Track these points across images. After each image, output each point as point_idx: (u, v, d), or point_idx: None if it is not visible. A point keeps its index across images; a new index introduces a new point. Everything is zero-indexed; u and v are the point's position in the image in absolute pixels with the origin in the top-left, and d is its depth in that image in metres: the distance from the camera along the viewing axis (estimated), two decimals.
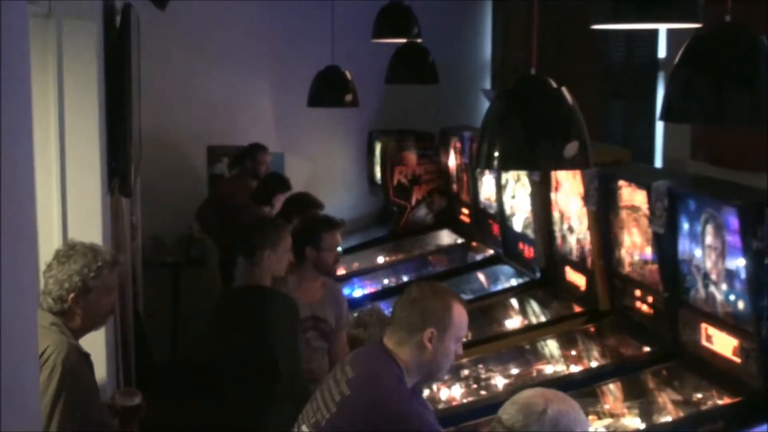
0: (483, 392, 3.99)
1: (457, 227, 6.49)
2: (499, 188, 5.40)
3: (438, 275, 5.52)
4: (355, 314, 4.16)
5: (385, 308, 4.71)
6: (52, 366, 2.62)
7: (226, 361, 3.53)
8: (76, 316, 2.75)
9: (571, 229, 4.52)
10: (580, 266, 4.47)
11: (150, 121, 6.43)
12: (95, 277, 2.74)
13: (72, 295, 2.73)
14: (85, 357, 2.75)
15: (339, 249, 3.85)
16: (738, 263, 3.10)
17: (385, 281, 5.79)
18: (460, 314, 2.54)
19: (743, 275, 3.08)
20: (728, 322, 3.25)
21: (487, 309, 4.88)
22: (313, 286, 3.77)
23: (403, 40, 5.18)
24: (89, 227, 3.24)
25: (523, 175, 4.98)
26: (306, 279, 3.75)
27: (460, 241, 6.28)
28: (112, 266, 2.81)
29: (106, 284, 2.78)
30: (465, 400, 3.92)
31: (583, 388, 3.66)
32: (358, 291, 5.51)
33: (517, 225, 5.23)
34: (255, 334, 3.44)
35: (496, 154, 2.27)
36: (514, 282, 5.21)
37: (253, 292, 3.57)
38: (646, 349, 3.88)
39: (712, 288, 3.32)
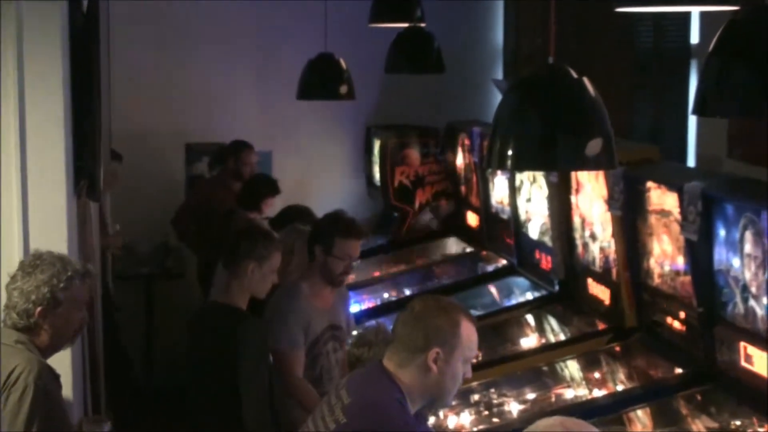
0: (495, 420, 3.99)
1: (465, 234, 6.50)
2: (513, 191, 5.41)
3: (444, 288, 5.53)
4: (355, 332, 4.17)
5: (388, 325, 4.71)
6: (23, 387, 2.62)
7: (194, 386, 3.54)
8: (44, 333, 2.76)
9: (593, 237, 4.53)
10: (603, 278, 4.47)
11: (120, 116, 6.44)
12: (65, 288, 2.76)
13: (39, 308, 2.74)
14: (55, 377, 2.76)
15: (354, 263, 3.83)
16: None
17: (385, 295, 5.80)
18: (468, 332, 2.54)
19: None
20: None
21: (499, 326, 4.89)
22: (325, 291, 3.81)
23: (405, 25, 5.18)
24: (53, 234, 3.23)
25: (539, 176, 4.99)
26: (317, 284, 3.78)
27: (468, 249, 6.29)
28: (83, 277, 2.82)
29: (77, 297, 2.80)
30: (475, 429, 3.92)
31: (608, 415, 3.66)
32: (354, 306, 5.51)
33: (533, 232, 5.23)
34: (219, 361, 3.45)
35: (510, 152, 2.28)
36: (529, 296, 5.21)
37: (226, 313, 3.56)
38: (678, 370, 3.89)
39: (751, 302, 3.32)
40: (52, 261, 2.78)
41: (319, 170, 7.15)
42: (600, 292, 4.53)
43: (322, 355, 3.76)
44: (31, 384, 2.62)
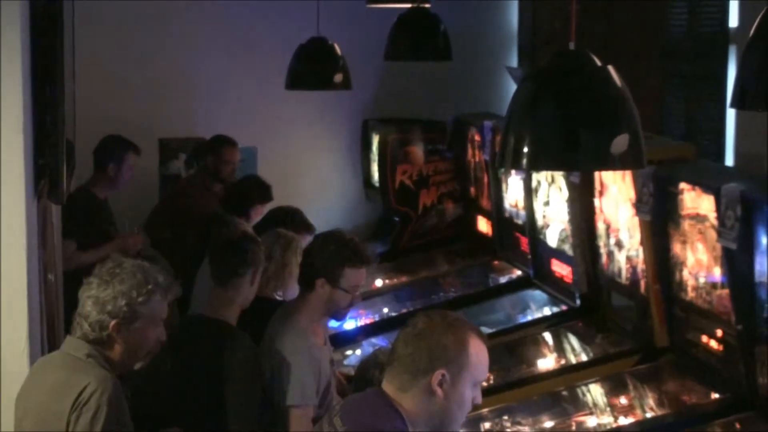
0: None
1: (475, 241, 6.49)
2: (529, 192, 5.41)
3: (451, 302, 5.53)
4: (352, 352, 4.15)
5: (383, 344, 4.70)
6: (96, 407, 2.70)
7: (176, 412, 3.53)
8: (116, 348, 2.84)
9: (619, 245, 4.53)
10: (630, 291, 4.47)
11: (86, 109, 6.42)
12: (144, 302, 2.84)
13: (114, 321, 2.82)
14: (124, 393, 2.84)
15: (350, 293, 3.67)
16: None
17: (385, 310, 5.80)
18: (478, 351, 2.54)
19: None
20: None
21: (513, 345, 4.89)
22: (320, 325, 3.72)
23: (407, 6, 5.19)
24: (9, 240, 3.22)
25: (559, 176, 4.99)
26: (314, 319, 3.65)
27: (479, 259, 6.29)
28: (165, 292, 2.89)
29: (155, 313, 2.87)
30: None
31: None
32: (350, 323, 5.51)
33: (552, 239, 5.24)
34: (208, 383, 3.46)
35: (525, 149, 2.28)
36: (547, 311, 5.22)
37: (216, 328, 3.57)
38: (715, 396, 3.89)
39: None
40: (132, 271, 2.85)
41: (310, 169, 7.15)
42: (627, 307, 4.53)
43: (333, 399, 3.70)
44: (104, 405, 2.70)
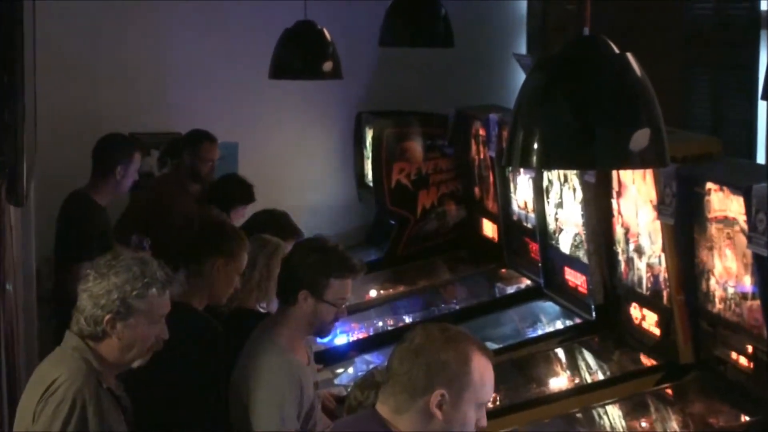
0: None
1: (480, 247, 6.48)
2: (540, 193, 5.41)
3: (454, 315, 5.52)
4: (344, 369, 4.15)
5: (383, 360, 4.68)
6: (60, 399, 2.81)
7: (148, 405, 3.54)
8: (111, 343, 2.94)
9: (639, 251, 4.54)
10: (652, 302, 4.48)
11: (48, 102, 6.40)
12: (138, 296, 2.94)
13: (108, 316, 2.93)
14: (116, 399, 2.92)
15: (337, 306, 3.66)
16: None
17: (379, 324, 5.78)
18: (482, 369, 2.54)
19: None
20: None
21: (522, 362, 4.89)
22: (302, 342, 3.72)
23: None
24: None
25: (572, 175, 4.99)
26: (296, 335, 3.65)
27: (484, 266, 6.29)
28: (164, 286, 2.98)
29: (153, 308, 2.97)
30: None
31: None
32: (341, 338, 5.51)
33: (564, 244, 5.24)
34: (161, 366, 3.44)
35: (535, 146, 2.27)
36: (559, 324, 5.22)
37: (180, 311, 3.51)
38: (745, 418, 3.88)
39: None
40: (129, 264, 2.96)
41: (297, 168, 7.15)
42: (648, 320, 4.53)
43: (318, 423, 3.69)
44: (69, 398, 2.80)
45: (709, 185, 3.89)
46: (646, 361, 4.52)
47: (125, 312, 2.92)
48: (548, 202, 5.36)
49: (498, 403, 4.38)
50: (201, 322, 3.80)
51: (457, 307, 5.77)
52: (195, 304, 3.85)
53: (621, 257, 4.69)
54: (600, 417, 4.29)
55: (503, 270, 6.05)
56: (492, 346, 4.70)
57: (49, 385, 2.84)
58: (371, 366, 4.35)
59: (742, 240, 3.71)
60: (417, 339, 2.55)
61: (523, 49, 7.19)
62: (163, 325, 3.02)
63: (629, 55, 2.30)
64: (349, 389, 3.94)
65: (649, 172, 4.22)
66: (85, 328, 2.94)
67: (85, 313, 2.94)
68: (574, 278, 5.15)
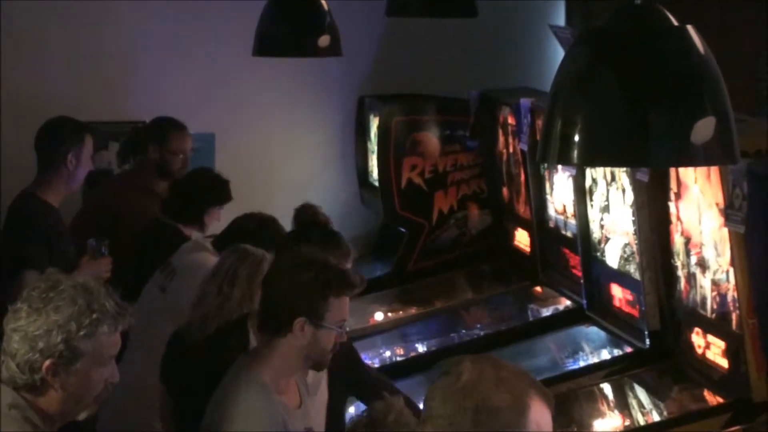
0: None
1: (509, 261, 6.49)
2: (582, 195, 5.41)
3: (476, 343, 5.52)
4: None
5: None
6: None
7: None
8: (52, 395, 2.86)
9: (703, 265, 4.53)
10: (718, 327, 4.47)
11: None
12: (87, 336, 2.85)
13: (48, 362, 2.84)
14: None
15: (340, 329, 3.67)
16: None
17: (387, 353, 5.80)
18: (540, 420, 2.54)
19: None
20: None
21: (561, 399, 4.82)
22: (292, 380, 3.72)
23: None
24: None
25: (621, 173, 4.99)
26: (287, 371, 3.64)
27: (514, 284, 6.29)
28: (116, 320, 2.90)
29: (103, 349, 2.90)
30: None
31: None
32: None
33: (612, 257, 5.23)
34: None
35: (577, 137, 2.27)
36: (605, 354, 5.23)
37: None
38: None
39: None
40: (72, 295, 2.87)
41: (287, 163, 7.17)
42: (713, 349, 4.52)
43: None
44: None
45: None
46: (712, 398, 4.52)
47: (70, 356, 2.84)
48: (592, 206, 5.36)
49: None
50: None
51: (482, 334, 5.77)
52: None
53: (680, 272, 4.69)
54: None
55: (537, 288, 6.06)
56: None
57: None
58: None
59: None
60: (465, 375, 2.51)
61: (561, 20, 7.18)
62: (114, 366, 2.96)
63: (690, 28, 2.31)
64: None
65: (714, 170, 4.21)
66: (19, 376, 2.84)
67: (18, 359, 2.84)
68: (624, 298, 5.15)
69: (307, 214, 5.41)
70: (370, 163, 7.14)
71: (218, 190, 5.64)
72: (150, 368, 4.47)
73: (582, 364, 5.24)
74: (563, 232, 5.78)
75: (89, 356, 2.87)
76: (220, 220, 5.53)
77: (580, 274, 5.52)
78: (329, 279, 3.59)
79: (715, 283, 4.45)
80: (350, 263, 4.41)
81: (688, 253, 4.62)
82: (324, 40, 5.31)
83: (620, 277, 5.16)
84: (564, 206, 5.74)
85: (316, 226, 4.88)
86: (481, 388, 2.49)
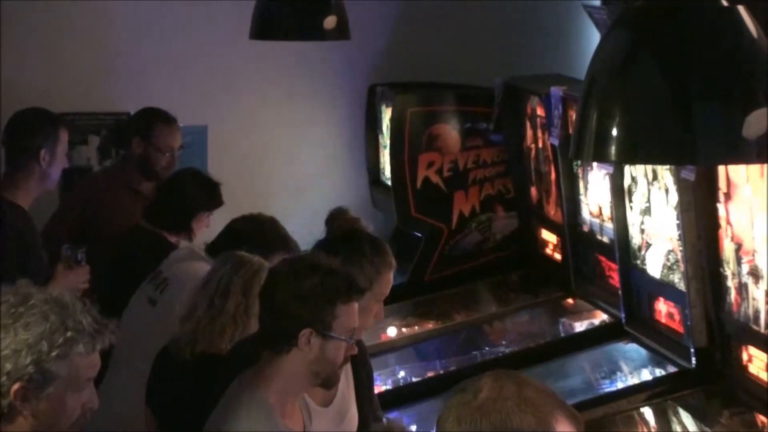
0: None
1: (538, 269, 6.51)
2: (620, 196, 5.41)
3: (502, 361, 5.53)
4: None
5: (407, 422, 4.67)
6: None
7: None
8: (22, 422, 2.85)
9: (756, 274, 4.53)
10: None
11: None
12: (60, 357, 2.84)
13: (17, 386, 2.83)
14: None
15: (351, 340, 3.68)
16: None
17: (400, 374, 5.80)
18: None
19: None
20: None
21: (597, 425, 4.89)
22: (296, 406, 3.73)
23: None
24: None
25: (665, 171, 4.98)
26: (291, 391, 3.65)
27: (543, 295, 6.31)
28: (94, 338, 2.89)
29: (78, 370, 2.89)
30: None
31: None
32: None
33: (653, 265, 5.23)
34: None
35: (615, 131, 2.28)
36: (646, 374, 5.24)
37: None
38: None
39: None
40: (44, 311, 2.85)
41: (288, 159, 7.19)
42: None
43: None
44: None
45: None
46: (766, 424, 4.51)
47: (41, 379, 2.83)
48: (631, 208, 5.36)
49: None
50: None
51: (507, 351, 5.79)
52: None
53: (731, 283, 4.69)
54: None
55: (569, 300, 6.08)
56: None
57: None
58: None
59: None
60: (484, 393, 2.49)
61: None
62: (92, 389, 2.96)
63: (742, 9, 2.31)
64: None
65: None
66: None
67: None
68: (667, 311, 5.15)
69: (342, 220, 5.40)
70: (381, 160, 7.16)
71: (208, 194, 5.62)
72: (137, 392, 4.47)
73: (620, 385, 5.26)
74: (599, 237, 5.78)
75: (63, 379, 2.86)
76: (209, 227, 5.51)
77: (617, 284, 5.52)
78: (336, 283, 3.59)
79: None
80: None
81: (739, 261, 4.61)
82: (330, 22, 5.31)
83: (663, 288, 5.17)
84: (600, 208, 5.74)
85: (363, 234, 4.86)
86: (501, 407, 2.47)
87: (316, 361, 3.60)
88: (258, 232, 4.91)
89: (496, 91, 6.64)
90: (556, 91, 5.90)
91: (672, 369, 5.08)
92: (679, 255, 4.97)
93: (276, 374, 3.62)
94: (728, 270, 4.69)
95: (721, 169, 4.57)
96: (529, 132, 6.47)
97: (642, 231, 5.30)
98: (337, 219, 5.39)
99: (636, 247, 5.36)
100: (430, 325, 6.29)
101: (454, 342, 6.04)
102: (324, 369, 3.63)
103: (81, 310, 2.90)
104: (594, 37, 6.36)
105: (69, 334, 2.85)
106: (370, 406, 4.32)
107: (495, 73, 6.74)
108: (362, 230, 4.85)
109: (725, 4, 2.30)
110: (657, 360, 5.22)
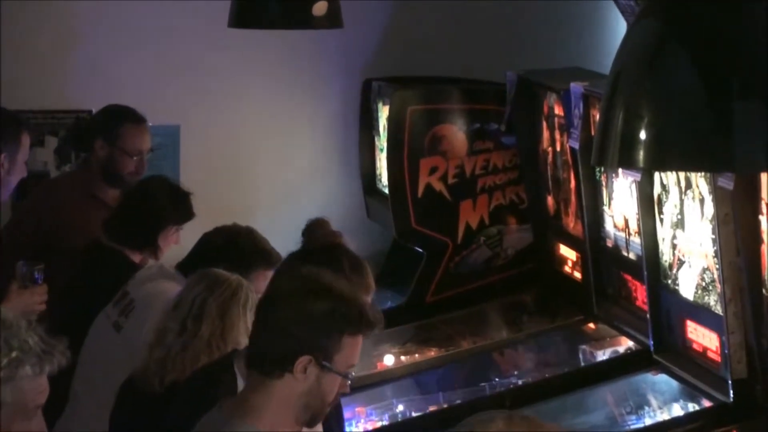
0: None
1: (554, 289, 6.53)
2: (650, 207, 5.42)
3: (514, 394, 5.55)
4: None
5: None
6: None
7: None
8: None
9: None
10: None
11: None
12: (5, 380, 2.87)
13: None
14: None
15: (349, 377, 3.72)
16: None
17: (399, 408, 5.80)
18: None
19: None
20: None
21: None
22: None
23: None
24: None
25: (700, 179, 4.99)
26: (282, 423, 3.64)
27: (562, 319, 6.32)
28: (41, 360, 2.90)
29: (25, 396, 2.92)
30: None
31: None
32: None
33: (686, 287, 5.24)
34: None
35: (643, 134, 2.30)
36: (678, 409, 5.24)
37: None
38: None
39: None
40: None
41: (271, 164, 7.23)
42: None
43: None
44: None
45: None
46: None
47: None
48: (661, 221, 5.37)
49: None
50: None
51: (520, 383, 5.79)
52: None
53: None
54: None
55: (591, 325, 6.09)
56: None
57: None
58: None
59: None
60: (491, 429, 2.56)
61: None
62: (40, 419, 2.97)
63: None
64: None
65: None
66: None
67: None
68: (702, 338, 5.15)
69: (322, 232, 5.41)
70: (377, 165, 7.18)
71: (176, 205, 5.62)
72: (100, 427, 4.48)
73: (648, 421, 5.27)
74: (624, 253, 5.79)
75: (8, 406, 2.88)
76: (178, 243, 5.51)
77: (645, 307, 5.51)
78: (347, 312, 3.60)
79: None
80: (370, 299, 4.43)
81: None
82: (320, 8, 5.33)
83: (697, 311, 5.17)
84: (626, 221, 5.75)
85: (343, 249, 4.87)
86: None
87: (309, 392, 3.61)
88: (235, 245, 4.92)
89: (508, 86, 6.65)
90: (576, 87, 5.90)
91: (707, 403, 5.08)
92: (716, 274, 4.97)
93: (265, 403, 3.61)
94: None
95: (763, 176, 4.57)
96: (546, 133, 6.48)
97: (673, 247, 5.30)
98: (315, 230, 5.42)
99: (666, 264, 5.36)
100: (432, 353, 6.31)
101: (459, 372, 6.06)
102: (314, 403, 3.64)
103: (26, 329, 2.92)
104: (620, 27, 6.37)
105: (14, 354, 2.87)
106: None
107: (507, 67, 6.75)
108: (343, 246, 4.88)
109: None
110: (690, 393, 5.23)
